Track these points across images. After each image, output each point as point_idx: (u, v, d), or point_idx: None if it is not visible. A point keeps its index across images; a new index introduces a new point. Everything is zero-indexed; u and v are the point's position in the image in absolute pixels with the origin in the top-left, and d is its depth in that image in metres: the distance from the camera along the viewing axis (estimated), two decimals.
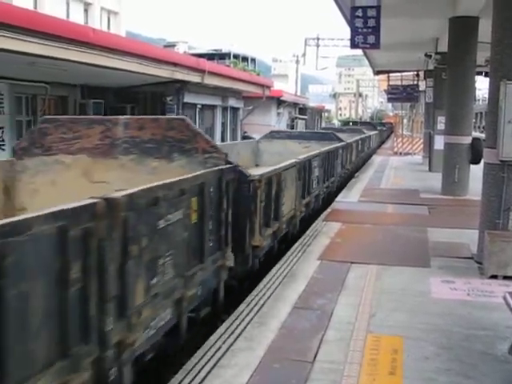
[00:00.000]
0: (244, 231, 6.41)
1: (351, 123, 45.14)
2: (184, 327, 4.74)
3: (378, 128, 40.32)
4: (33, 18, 13.24)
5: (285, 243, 8.47)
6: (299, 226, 9.37)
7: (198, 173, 5.19)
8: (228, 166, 5.94)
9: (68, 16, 29.49)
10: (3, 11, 12.24)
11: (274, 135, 15.63)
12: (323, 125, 61.26)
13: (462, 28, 13.82)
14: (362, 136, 23.90)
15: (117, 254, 3.54)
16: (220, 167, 5.74)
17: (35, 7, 26.75)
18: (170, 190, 4.32)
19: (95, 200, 3.36)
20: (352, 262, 7.40)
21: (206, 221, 5.16)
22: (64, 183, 6.13)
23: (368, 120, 78.52)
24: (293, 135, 16.49)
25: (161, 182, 4.25)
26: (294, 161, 8.90)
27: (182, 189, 4.56)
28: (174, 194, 4.42)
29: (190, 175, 4.93)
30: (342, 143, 15.56)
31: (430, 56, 19.60)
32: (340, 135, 16.79)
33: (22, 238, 2.68)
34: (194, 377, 4.11)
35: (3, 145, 15.91)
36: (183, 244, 4.63)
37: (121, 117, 6.60)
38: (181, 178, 4.69)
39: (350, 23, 12.28)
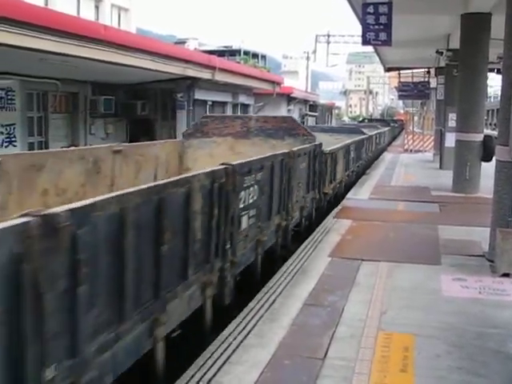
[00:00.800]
0: (320, 182, 10.60)
1: (367, 120, 50.41)
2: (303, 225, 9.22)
3: (391, 124, 43.99)
4: (44, 14, 13.31)
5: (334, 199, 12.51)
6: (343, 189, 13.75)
7: (306, 145, 9.51)
8: (316, 143, 10.05)
9: (79, 13, 29.55)
10: (15, 8, 12.29)
11: (312, 129, 17.99)
12: (333, 122, 61.24)
13: (474, 24, 13.72)
14: (379, 131, 28.09)
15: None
16: (313, 144, 9.87)
17: (46, 4, 26.81)
18: (300, 153, 8.55)
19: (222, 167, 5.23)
20: (363, 260, 7.39)
21: (311, 169, 9.65)
22: (217, 154, 9.61)
23: (379, 117, 78.91)
24: (325, 129, 21.20)
25: (295, 148, 8.30)
26: (343, 144, 13.62)
27: (303, 153, 8.85)
28: (300, 154, 8.49)
29: (304, 146, 9.37)
30: (366, 135, 19.84)
31: (442, 53, 19.49)
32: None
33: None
34: (205, 372, 4.12)
35: (15, 141, 16.01)
36: (307, 177, 9.37)
37: (253, 115, 12.43)
38: (300, 147, 8.91)
39: (362, 20, 12.24)
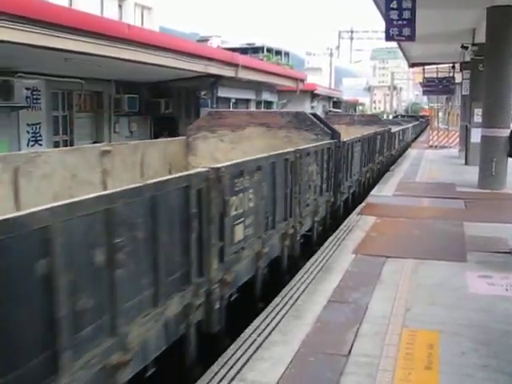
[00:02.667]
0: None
1: (400, 116, 60.16)
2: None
3: (420, 120, 51.72)
4: (69, 15, 13.45)
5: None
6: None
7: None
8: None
9: (102, 12, 29.78)
10: (40, 9, 12.45)
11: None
12: None
13: (501, 18, 13.53)
14: (413, 123, 39.22)
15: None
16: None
17: (70, 4, 27.09)
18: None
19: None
20: (387, 256, 7.35)
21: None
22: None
23: (403, 113, 79.64)
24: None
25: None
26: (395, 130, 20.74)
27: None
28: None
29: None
30: (408, 125, 31.61)
31: (467, 47, 19.28)
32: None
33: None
34: (229, 369, 4.14)
35: (40, 140, 16.22)
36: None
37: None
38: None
39: (385, 15, 12.19)
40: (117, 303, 3.24)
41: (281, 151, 6.67)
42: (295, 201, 7.13)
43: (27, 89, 15.34)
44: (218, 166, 4.68)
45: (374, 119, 19.82)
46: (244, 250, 5.33)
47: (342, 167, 10.34)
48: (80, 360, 2.92)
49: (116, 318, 3.23)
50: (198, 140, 9.62)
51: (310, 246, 8.09)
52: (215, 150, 9.43)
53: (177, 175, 4.20)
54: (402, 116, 59.83)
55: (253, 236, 5.56)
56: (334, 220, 9.85)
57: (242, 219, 5.23)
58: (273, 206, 6.25)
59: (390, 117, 60.80)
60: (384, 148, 17.50)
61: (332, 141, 9.46)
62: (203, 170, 4.48)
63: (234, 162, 5.22)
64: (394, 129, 21.42)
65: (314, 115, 10.10)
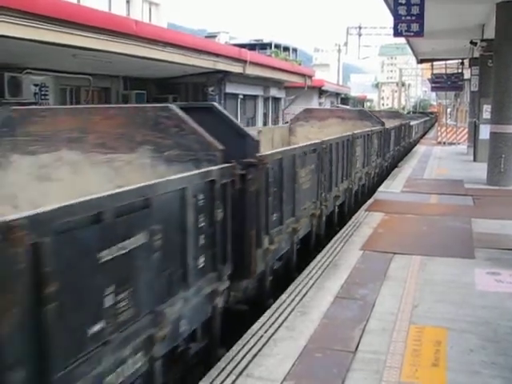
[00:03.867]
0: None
1: (411, 112, 65.26)
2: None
3: (430, 116, 55.98)
4: (77, 11, 13.44)
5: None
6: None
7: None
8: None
9: (110, 8, 29.79)
10: (48, 5, 12.46)
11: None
12: None
13: (510, 13, 13.45)
14: (425, 119, 45.03)
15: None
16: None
17: (78, 1, 27.13)
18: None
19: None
20: (395, 253, 7.33)
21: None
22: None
23: (412, 109, 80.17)
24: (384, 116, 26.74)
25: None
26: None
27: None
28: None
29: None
30: (420, 120, 37.39)
31: (476, 43, 19.19)
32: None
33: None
34: (236, 365, 4.15)
35: None
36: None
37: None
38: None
39: (393, 11, 12.14)
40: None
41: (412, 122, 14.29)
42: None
43: (35, 85, 15.37)
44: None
45: (397, 114, 26.36)
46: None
47: (386, 144, 15.98)
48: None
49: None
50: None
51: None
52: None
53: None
54: (414, 112, 65.31)
55: (393, 148, 11.09)
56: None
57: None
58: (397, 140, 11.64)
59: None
60: (406, 135, 23.58)
61: (382, 127, 14.51)
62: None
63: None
64: (412, 122, 27.72)
65: (370, 112, 16.06)
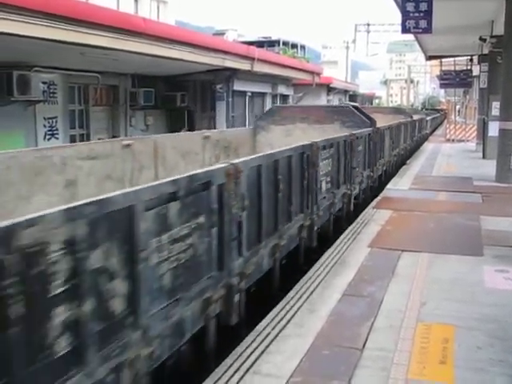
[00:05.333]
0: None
1: (424, 109, 66.56)
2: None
3: (440, 113, 60.26)
4: (85, 9, 13.48)
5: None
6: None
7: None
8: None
9: (118, 6, 29.87)
10: (56, 3, 12.50)
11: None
12: None
13: None
14: (436, 115, 50.37)
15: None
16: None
17: None
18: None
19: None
20: (403, 250, 7.32)
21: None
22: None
23: (421, 106, 80.00)
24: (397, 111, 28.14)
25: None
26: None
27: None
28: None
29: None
30: (432, 116, 42.45)
31: (485, 39, 19.09)
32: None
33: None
34: (244, 362, 4.15)
35: (57, 133, 16.31)
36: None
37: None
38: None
39: (401, 7, 12.09)
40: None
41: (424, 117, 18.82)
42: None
43: (44, 83, 15.41)
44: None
45: (416, 110, 32.73)
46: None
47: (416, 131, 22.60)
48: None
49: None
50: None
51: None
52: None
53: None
54: (426, 109, 68.10)
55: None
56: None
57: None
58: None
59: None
60: (422, 127, 28.89)
61: (410, 119, 19.54)
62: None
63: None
64: (427, 118, 34.99)
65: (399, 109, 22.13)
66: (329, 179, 8.25)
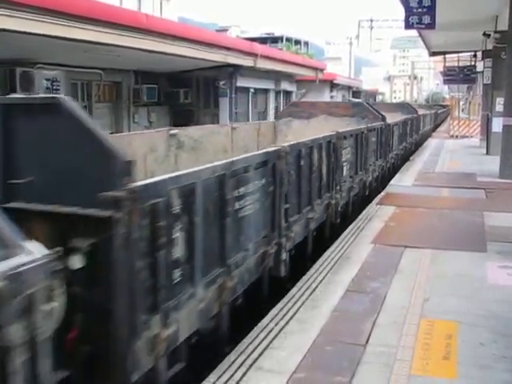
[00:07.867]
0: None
1: (434, 105, 68.65)
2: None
3: (445, 108, 58.95)
4: (88, 6, 13.47)
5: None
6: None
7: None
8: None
9: (121, 2, 29.84)
10: (59, 0, 12.50)
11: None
12: None
13: None
14: (442, 110, 51.53)
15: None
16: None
17: None
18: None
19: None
20: (406, 246, 7.31)
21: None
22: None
23: (424, 102, 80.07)
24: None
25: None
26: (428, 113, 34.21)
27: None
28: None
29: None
30: (437, 110, 42.91)
31: (489, 35, 18.99)
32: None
33: None
34: (247, 357, 4.16)
35: None
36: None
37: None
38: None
39: (405, 3, 12.05)
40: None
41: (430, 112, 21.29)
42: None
43: (47, 79, 15.43)
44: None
45: (428, 105, 38.15)
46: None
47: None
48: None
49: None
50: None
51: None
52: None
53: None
54: (434, 105, 71.17)
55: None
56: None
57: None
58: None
59: None
60: (433, 119, 34.73)
61: (414, 115, 20.17)
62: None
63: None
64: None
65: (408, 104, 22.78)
66: (348, 166, 9.31)
